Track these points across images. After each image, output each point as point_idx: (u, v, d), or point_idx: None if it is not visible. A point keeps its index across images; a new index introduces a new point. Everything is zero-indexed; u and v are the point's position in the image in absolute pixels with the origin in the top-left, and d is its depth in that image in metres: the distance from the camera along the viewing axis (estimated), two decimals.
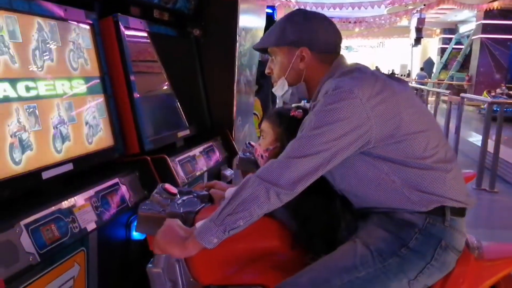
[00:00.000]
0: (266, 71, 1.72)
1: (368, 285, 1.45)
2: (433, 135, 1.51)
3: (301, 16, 1.62)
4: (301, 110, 1.70)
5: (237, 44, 3.00)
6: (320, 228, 1.61)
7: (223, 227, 1.37)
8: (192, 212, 1.67)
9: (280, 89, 1.67)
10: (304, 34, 1.59)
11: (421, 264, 1.45)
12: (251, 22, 3.21)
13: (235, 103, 3.08)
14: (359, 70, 1.53)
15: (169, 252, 1.47)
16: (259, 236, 1.62)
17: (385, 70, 26.36)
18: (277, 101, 5.39)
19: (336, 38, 1.65)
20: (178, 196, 1.73)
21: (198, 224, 1.45)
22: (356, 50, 33.07)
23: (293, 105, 1.78)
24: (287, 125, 1.69)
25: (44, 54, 1.76)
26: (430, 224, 1.47)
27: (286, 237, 1.63)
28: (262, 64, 4.26)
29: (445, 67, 23.49)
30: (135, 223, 1.73)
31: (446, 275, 1.50)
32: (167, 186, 1.73)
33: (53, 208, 1.62)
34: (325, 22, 1.63)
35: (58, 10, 1.85)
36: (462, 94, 7.93)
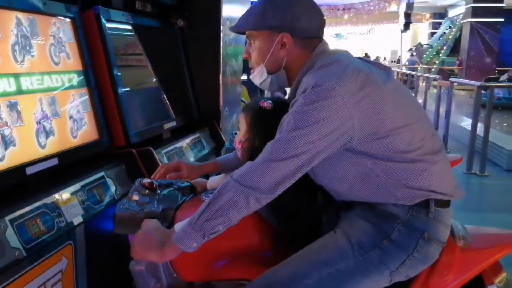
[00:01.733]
0: (244, 55, 1.65)
1: (348, 277, 1.43)
2: (419, 127, 1.46)
3: None
4: (270, 102, 1.63)
5: (222, 34, 2.99)
6: (302, 224, 1.58)
7: (202, 232, 1.35)
8: (172, 208, 1.65)
9: (258, 77, 1.60)
10: (286, 18, 1.49)
11: (403, 256, 1.43)
12: (235, 11, 3.20)
13: (221, 93, 3.08)
14: (339, 61, 1.43)
15: (147, 259, 1.45)
16: (241, 233, 1.59)
17: (374, 56, 26.40)
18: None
19: (319, 22, 1.55)
20: (158, 190, 1.71)
21: (177, 226, 1.43)
22: (345, 38, 33.01)
23: (276, 93, 1.73)
24: (257, 117, 1.64)
25: (25, 49, 1.74)
26: (413, 216, 1.43)
27: (269, 232, 1.61)
28: None
29: (436, 52, 23.51)
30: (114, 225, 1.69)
31: (431, 266, 1.49)
32: (146, 181, 1.71)
33: (38, 203, 1.62)
34: (308, 5, 1.54)
35: (37, 4, 1.83)
36: (451, 79, 7.98)
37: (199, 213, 1.37)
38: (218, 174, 2.01)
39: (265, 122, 1.47)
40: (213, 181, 1.92)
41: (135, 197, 1.68)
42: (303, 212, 1.57)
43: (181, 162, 1.92)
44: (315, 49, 1.53)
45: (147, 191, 1.70)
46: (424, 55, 22.83)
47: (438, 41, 23.45)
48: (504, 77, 11.58)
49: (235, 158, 1.87)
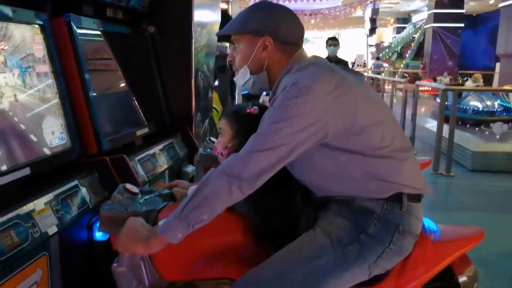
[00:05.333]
0: (228, 59, 1.75)
1: (330, 272, 1.49)
2: (389, 127, 1.56)
3: (266, 6, 1.65)
4: (257, 107, 1.72)
5: (193, 40, 3.00)
6: (282, 223, 1.62)
7: (187, 222, 1.40)
8: (155, 211, 1.66)
9: (242, 78, 1.69)
10: (268, 23, 1.61)
11: (380, 249, 1.50)
12: (206, 17, 3.21)
13: (193, 99, 3.08)
14: (316, 64, 1.56)
15: (133, 251, 1.49)
16: (222, 230, 1.64)
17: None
18: (236, 95, 5.41)
19: (298, 31, 1.67)
20: (140, 195, 1.72)
21: (162, 222, 1.47)
22: (312, 42, 33.34)
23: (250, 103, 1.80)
24: (244, 122, 1.70)
25: None
26: (388, 211, 1.52)
27: (249, 230, 1.65)
28: (219, 59, 4.26)
29: (400, 55, 24.02)
30: (98, 224, 1.70)
31: (405, 258, 1.56)
32: (128, 186, 1.72)
33: (11, 214, 1.58)
34: (289, 14, 1.67)
35: (6, 12, 1.80)
36: (417, 82, 8.17)
37: (184, 204, 1.43)
38: None
39: (252, 127, 1.50)
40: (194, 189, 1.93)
41: (118, 199, 1.68)
42: (282, 211, 1.62)
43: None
44: (294, 54, 1.63)
45: (129, 195, 1.71)
46: (383, 52, 23.48)
47: (397, 42, 24.15)
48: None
49: None
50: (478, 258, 1.78)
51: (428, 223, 1.70)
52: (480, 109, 8.27)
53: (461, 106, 8.33)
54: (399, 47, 23.99)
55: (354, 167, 1.51)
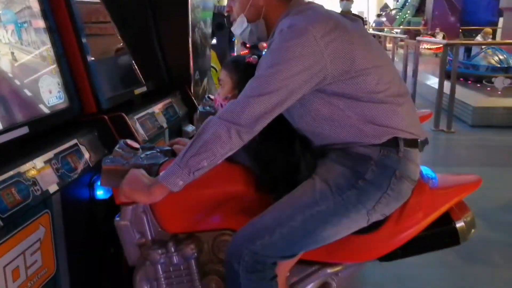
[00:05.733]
0: (226, 9, 1.74)
1: (329, 218, 1.51)
2: (386, 71, 1.55)
3: None
4: (256, 57, 1.71)
5: None
6: (282, 170, 1.64)
7: (187, 169, 1.41)
8: (156, 164, 1.68)
9: (239, 27, 1.67)
10: None
11: (378, 194, 1.51)
12: None
13: (191, 57, 3.04)
14: (313, 8, 1.56)
15: (135, 199, 1.51)
16: (223, 181, 1.66)
17: None
18: (235, 53, 5.35)
19: None
20: (141, 151, 1.73)
21: (162, 173, 1.48)
22: None
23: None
24: (244, 72, 1.70)
25: None
26: (385, 156, 1.51)
27: (250, 180, 1.67)
28: (217, 16, 4.19)
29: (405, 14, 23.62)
30: (99, 182, 1.73)
31: (403, 204, 1.58)
32: (129, 141, 1.73)
33: (11, 172, 1.58)
34: None
35: None
36: (418, 38, 8.07)
37: (184, 151, 1.44)
38: None
39: (252, 76, 1.50)
40: None
41: (120, 153, 1.69)
42: (282, 159, 1.64)
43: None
44: (290, 1, 1.61)
45: (130, 150, 1.72)
46: (396, 19, 23.07)
47: (407, 4, 23.61)
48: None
49: None
50: (479, 210, 1.80)
51: (426, 170, 1.71)
52: (495, 66, 8.14)
53: (474, 63, 8.21)
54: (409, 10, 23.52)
55: (350, 112, 1.51)
